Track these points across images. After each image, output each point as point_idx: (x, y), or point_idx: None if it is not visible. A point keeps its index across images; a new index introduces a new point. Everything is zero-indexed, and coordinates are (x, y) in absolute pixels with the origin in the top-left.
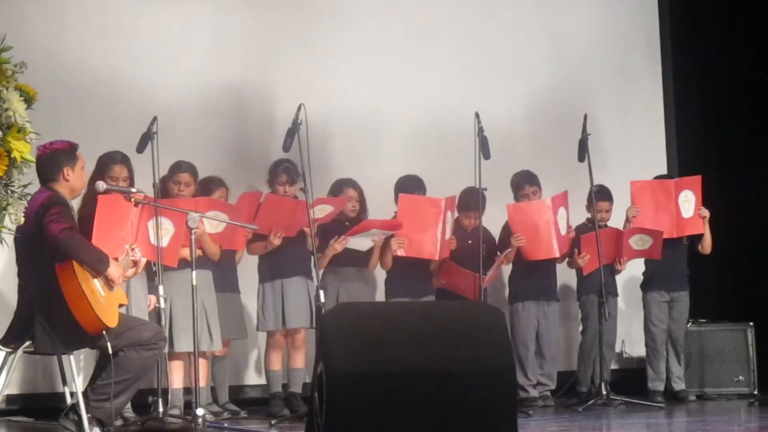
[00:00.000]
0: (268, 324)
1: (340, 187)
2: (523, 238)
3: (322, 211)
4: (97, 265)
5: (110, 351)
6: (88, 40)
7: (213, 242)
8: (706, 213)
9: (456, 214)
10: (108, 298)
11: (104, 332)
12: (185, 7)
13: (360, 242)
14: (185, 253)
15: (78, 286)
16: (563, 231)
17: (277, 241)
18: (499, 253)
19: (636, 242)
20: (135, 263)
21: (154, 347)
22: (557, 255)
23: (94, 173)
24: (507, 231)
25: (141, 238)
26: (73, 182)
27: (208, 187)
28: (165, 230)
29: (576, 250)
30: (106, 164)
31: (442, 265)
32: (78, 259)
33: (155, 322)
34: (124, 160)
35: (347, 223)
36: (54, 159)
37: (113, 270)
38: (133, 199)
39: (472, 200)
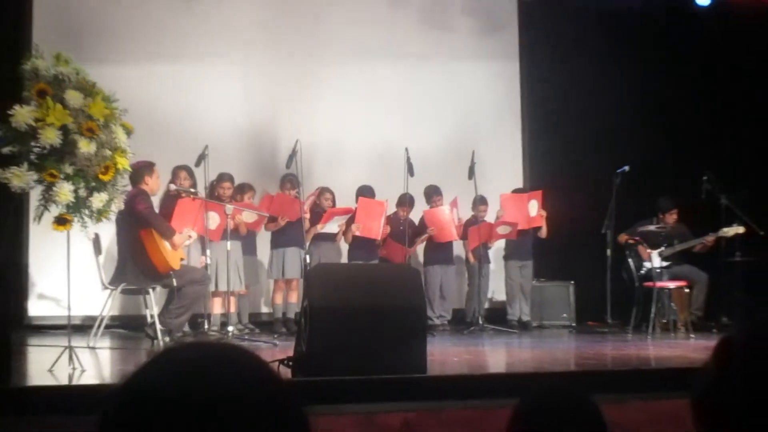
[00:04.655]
0: (273, 274)
1: (321, 193)
2: (435, 230)
3: (339, 220)
4: (166, 232)
5: (175, 285)
6: (164, 94)
7: (245, 226)
8: (544, 213)
9: (393, 209)
10: (173, 252)
11: (171, 272)
12: (223, 70)
13: (331, 227)
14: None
15: (155, 242)
16: (457, 223)
17: (282, 222)
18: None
19: (501, 230)
20: (189, 237)
21: (203, 284)
22: (456, 238)
23: (170, 180)
24: (423, 223)
25: (199, 223)
26: (151, 185)
27: (242, 189)
28: (213, 220)
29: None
30: (176, 172)
31: (385, 241)
32: (152, 226)
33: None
34: (187, 169)
35: (324, 213)
36: (140, 170)
37: (176, 239)
38: (192, 196)
39: (404, 200)
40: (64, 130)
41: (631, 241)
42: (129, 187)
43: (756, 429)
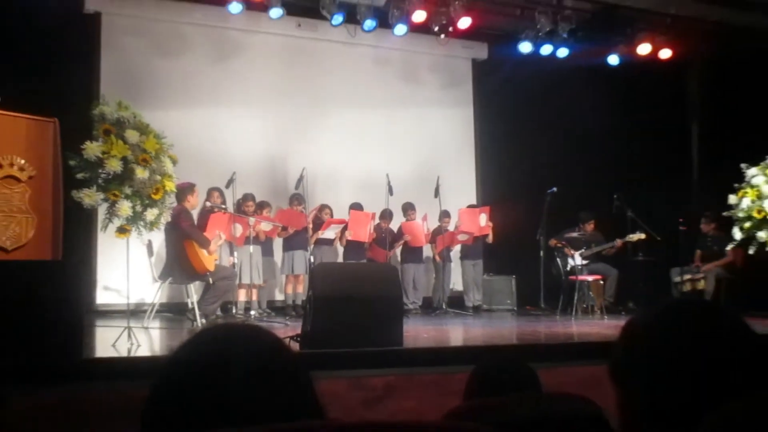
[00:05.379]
0: (284, 271)
1: (321, 208)
2: (410, 237)
3: (335, 228)
4: (203, 244)
5: (210, 281)
6: (201, 132)
7: (263, 234)
8: (491, 224)
9: (377, 221)
10: (209, 257)
11: (207, 273)
12: (247, 113)
13: (329, 233)
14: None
15: (195, 250)
16: (426, 232)
17: (291, 231)
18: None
19: (460, 237)
20: (220, 237)
21: (231, 279)
22: (426, 243)
23: (206, 198)
24: (400, 232)
25: (228, 232)
26: (192, 202)
27: (261, 205)
28: (239, 230)
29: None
30: (210, 192)
31: (370, 245)
32: (193, 239)
33: (232, 270)
34: (219, 189)
35: (324, 223)
36: (183, 190)
37: (212, 247)
38: (222, 211)
39: (386, 214)
40: (125, 160)
41: (558, 245)
42: (175, 204)
43: (654, 390)
